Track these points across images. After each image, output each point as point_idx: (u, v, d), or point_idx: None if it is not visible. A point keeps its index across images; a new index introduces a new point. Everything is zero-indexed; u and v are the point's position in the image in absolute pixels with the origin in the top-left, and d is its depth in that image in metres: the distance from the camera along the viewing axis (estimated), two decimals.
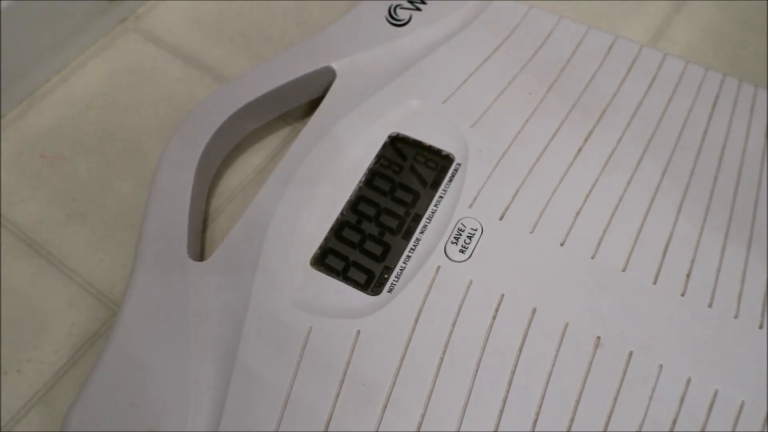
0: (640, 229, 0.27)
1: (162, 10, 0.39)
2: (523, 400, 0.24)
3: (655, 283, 0.26)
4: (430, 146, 0.30)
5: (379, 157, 0.30)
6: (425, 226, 0.28)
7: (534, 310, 0.25)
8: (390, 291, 0.26)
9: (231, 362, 0.25)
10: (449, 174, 0.29)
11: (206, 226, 0.32)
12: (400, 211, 0.29)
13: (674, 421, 0.23)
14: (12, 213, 0.32)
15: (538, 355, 0.24)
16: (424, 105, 0.31)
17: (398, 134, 0.30)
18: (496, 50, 0.33)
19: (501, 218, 0.28)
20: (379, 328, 0.25)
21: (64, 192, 0.33)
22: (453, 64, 0.32)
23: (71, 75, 0.37)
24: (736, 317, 0.25)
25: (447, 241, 0.27)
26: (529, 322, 0.25)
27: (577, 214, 0.28)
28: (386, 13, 0.34)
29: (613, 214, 0.28)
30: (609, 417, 0.23)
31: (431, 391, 0.24)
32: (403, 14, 0.34)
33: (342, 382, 0.24)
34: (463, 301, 0.26)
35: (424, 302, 0.26)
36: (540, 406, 0.24)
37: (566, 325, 0.25)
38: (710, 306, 0.25)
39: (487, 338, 0.25)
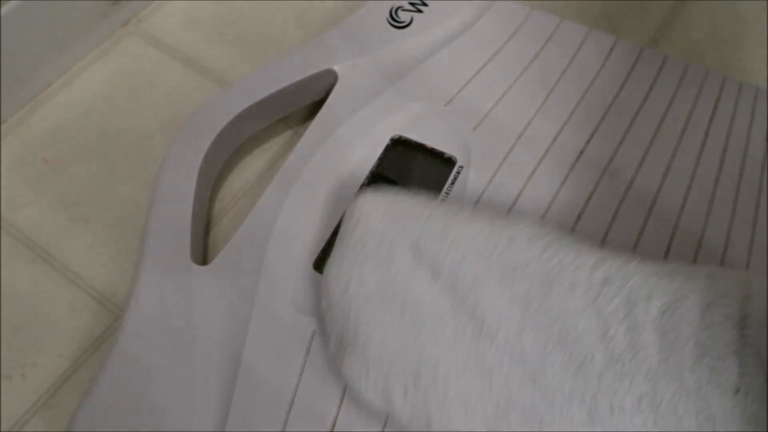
0: (641, 232, 0.27)
1: (163, 14, 0.39)
2: None
3: None
4: (433, 149, 0.30)
5: (382, 159, 0.30)
6: None
7: None
8: None
9: (235, 366, 0.25)
10: (452, 177, 0.29)
11: (209, 229, 0.32)
12: None
13: None
14: (14, 217, 0.32)
15: None
16: (426, 108, 0.31)
17: (401, 137, 0.31)
18: (497, 53, 0.33)
19: None
20: None
21: (67, 195, 0.33)
22: (455, 67, 0.33)
23: (73, 79, 0.37)
24: None
25: None
26: None
27: (579, 216, 0.28)
28: (387, 15, 0.35)
29: (614, 216, 0.28)
30: None
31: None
32: (404, 16, 0.34)
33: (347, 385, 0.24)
34: None
35: None
36: None
37: None
38: None
39: None
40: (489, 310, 0.22)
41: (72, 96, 0.36)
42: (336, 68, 0.33)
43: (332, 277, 0.24)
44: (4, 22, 0.33)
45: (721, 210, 0.28)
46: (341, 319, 0.23)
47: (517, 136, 0.30)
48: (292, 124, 0.35)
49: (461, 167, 0.29)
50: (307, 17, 0.39)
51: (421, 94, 0.32)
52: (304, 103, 0.34)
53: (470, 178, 0.29)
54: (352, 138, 0.30)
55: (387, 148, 0.30)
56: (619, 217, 0.28)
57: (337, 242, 0.25)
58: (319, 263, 0.27)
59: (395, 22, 0.34)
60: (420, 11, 0.34)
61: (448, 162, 0.30)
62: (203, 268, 0.27)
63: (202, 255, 0.31)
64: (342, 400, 0.24)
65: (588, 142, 0.30)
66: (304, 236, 0.28)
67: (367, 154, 0.30)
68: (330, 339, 0.24)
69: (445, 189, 0.29)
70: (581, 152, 0.30)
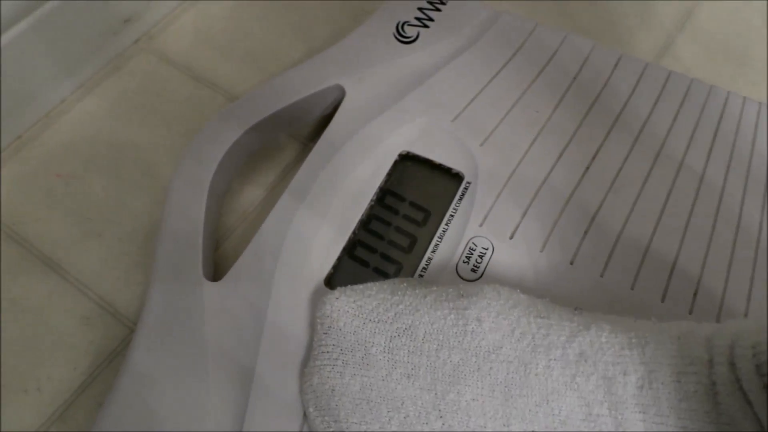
0: (647, 248, 0.28)
1: (174, 31, 0.40)
2: None
3: (663, 301, 0.26)
4: (440, 164, 0.30)
5: (390, 175, 0.30)
6: (437, 245, 0.28)
7: None
8: None
9: (248, 382, 0.25)
10: (459, 192, 0.30)
11: (218, 243, 0.32)
12: (412, 229, 0.29)
13: None
14: (28, 232, 0.33)
15: None
16: (434, 123, 0.32)
17: (408, 152, 0.31)
18: (503, 68, 0.34)
19: (511, 237, 0.28)
20: None
21: (80, 210, 0.34)
22: (461, 82, 0.33)
23: (85, 95, 0.38)
24: None
25: (459, 261, 0.27)
26: None
27: (586, 232, 0.28)
28: (394, 30, 0.35)
29: (620, 233, 0.28)
30: None
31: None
32: (410, 31, 0.35)
33: None
34: None
35: None
36: None
37: None
38: None
39: None
40: (471, 404, 0.22)
41: (84, 111, 0.37)
42: (343, 83, 0.33)
43: (316, 385, 0.24)
44: (18, 40, 0.33)
45: (725, 226, 0.28)
46: (333, 425, 0.24)
47: (523, 152, 0.31)
48: (300, 138, 0.36)
49: (469, 183, 0.30)
50: (314, 33, 0.40)
51: (429, 110, 0.32)
52: (312, 118, 0.34)
53: (478, 193, 0.29)
54: (360, 153, 0.31)
55: (395, 164, 0.31)
56: (626, 233, 0.28)
57: (314, 349, 0.25)
58: (330, 279, 0.28)
59: (402, 37, 0.35)
60: (426, 26, 0.35)
61: (455, 178, 0.30)
62: (215, 284, 0.28)
63: (213, 270, 0.31)
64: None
65: (594, 158, 0.30)
66: (314, 252, 0.28)
67: (376, 169, 0.30)
68: None
69: (453, 205, 0.29)
70: (587, 168, 0.30)
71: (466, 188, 0.30)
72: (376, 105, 0.32)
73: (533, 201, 0.29)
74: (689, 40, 0.39)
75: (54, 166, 0.35)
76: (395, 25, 0.35)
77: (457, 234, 0.28)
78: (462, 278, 0.27)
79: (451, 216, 0.29)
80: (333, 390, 0.23)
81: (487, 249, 0.28)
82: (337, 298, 0.25)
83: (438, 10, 0.35)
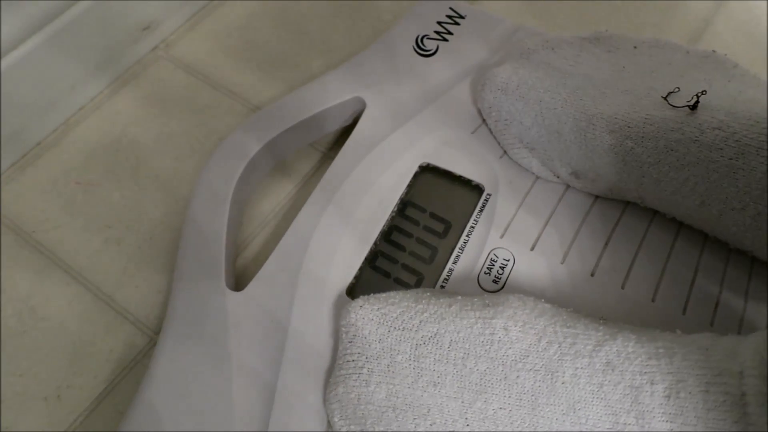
0: (667, 260, 0.28)
1: (192, 38, 0.40)
2: None
3: (684, 313, 0.27)
4: (461, 176, 0.31)
5: (410, 186, 0.31)
6: (458, 256, 0.29)
7: None
8: None
9: (271, 392, 0.25)
10: (480, 204, 0.30)
11: (239, 252, 0.33)
12: (433, 240, 0.29)
13: None
14: (49, 239, 0.33)
15: None
16: (454, 135, 0.32)
17: (429, 164, 0.31)
18: None
19: (532, 249, 0.28)
20: None
21: (99, 218, 0.34)
22: None
23: (104, 102, 0.38)
24: None
25: (480, 272, 0.28)
26: None
27: (606, 244, 0.28)
28: (413, 43, 0.35)
29: (641, 245, 0.28)
30: None
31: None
32: (430, 45, 0.35)
33: None
34: None
35: None
36: None
37: None
38: None
39: None
40: (498, 413, 0.22)
41: (103, 119, 0.37)
42: (364, 96, 0.33)
43: (341, 394, 0.24)
44: (37, 48, 0.34)
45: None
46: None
47: None
48: (320, 148, 0.36)
49: (489, 195, 0.30)
50: (332, 42, 0.40)
51: (448, 122, 0.32)
52: (333, 129, 0.35)
53: (498, 205, 0.30)
54: (381, 165, 0.31)
55: (416, 175, 0.31)
56: (646, 244, 0.28)
57: (338, 358, 0.25)
58: (352, 289, 0.28)
59: (421, 50, 0.35)
60: (446, 40, 0.35)
61: (475, 189, 0.30)
62: (237, 294, 0.28)
63: (234, 280, 0.31)
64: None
65: None
66: (335, 262, 0.29)
67: (396, 181, 0.31)
68: None
69: (473, 217, 0.29)
70: None
71: (486, 200, 0.30)
72: (396, 117, 0.33)
73: (553, 213, 0.29)
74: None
75: (73, 173, 0.35)
76: (414, 39, 0.35)
77: (478, 245, 0.29)
78: (483, 289, 0.27)
79: (472, 227, 0.29)
80: (359, 398, 0.24)
81: (508, 260, 0.28)
82: (361, 307, 0.25)
83: (457, 24, 0.36)
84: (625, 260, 0.28)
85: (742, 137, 0.24)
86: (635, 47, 0.31)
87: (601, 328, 0.23)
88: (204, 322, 0.27)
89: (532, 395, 0.22)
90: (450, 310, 0.24)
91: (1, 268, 0.32)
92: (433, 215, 0.30)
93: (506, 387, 0.22)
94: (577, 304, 0.27)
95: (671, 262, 0.28)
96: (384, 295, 0.25)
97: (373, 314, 0.24)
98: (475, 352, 0.23)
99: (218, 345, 0.27)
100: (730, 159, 0.24)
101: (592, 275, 0.28)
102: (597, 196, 0.30)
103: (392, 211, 0.30)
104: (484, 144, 0.32)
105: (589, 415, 0.21)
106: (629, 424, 0.21)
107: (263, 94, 0.38)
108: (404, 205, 0.30)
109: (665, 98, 0.27)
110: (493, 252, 0.28)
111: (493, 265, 0.28)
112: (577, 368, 0.22)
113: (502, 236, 0.29)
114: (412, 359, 0.23)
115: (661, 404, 0.21)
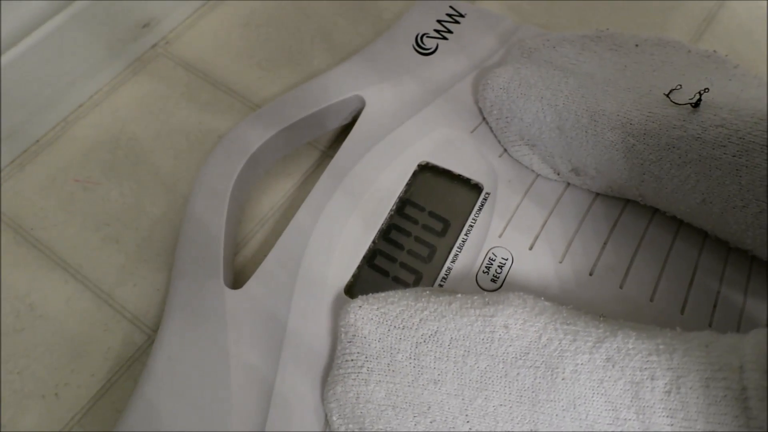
0: (666, 259, 0.28)
1: (191, 36, 0.40)
2: None
3: (682, 313, 0.26)
4: (460, 175, 0.31)
5: (409, 185, 0.31)
6: (456, 255, 0.28)
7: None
8: None
9: (269, 391, 0.25)
10: (479, 203, 0.30)
11: (238, 250, 0.33)
12: (431, 239, 0.29)
13: None
14: (47, 237, 0.33)
15: None
16: (453, 134, 0.32)
17: (428, 163, 0.31)
18: None
19: (531, 248, 0.28)
20: None
21: (98, 216, 0.34)
22: None
23: (103, 100, 0.38)
24: None
25: (478, 271, 0.28)
26: None
27: (605, 243, 0.28)
28: (413, 41, 0.35)
29: (639, 244, 0.28)
30: None
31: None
32: (429, 43, 0.35)
33: None
34: None
35: None
36: None
37: None
38: None
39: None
40: (499, 409, 0.22)
41: (102, 117, 0.37)
42: (363, 94, 0.33)
43: (339, 393, 0.24)
44: (36, 46, 0.34)
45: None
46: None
47: None
48: (319, 146, 0.36)
49: (488, 194, 0.30)
50: (333, 39, 0.40)
51: (448, 121, 0.32)
52: (332, 128, 0.34)
53: (497, 204, 0.29)
54: (380, 164, 0.31)
55: (414, 174, 0.31)
56: (644, 244, 0.28)
57: (337, 358, 0.25)
58: (350, 288, 0.28)
59: (421, 49, 0.35)
60: (445, 38, 0.35)
61: (474, 188, 0.30)
62: (236, 292, 0.28)
63: (233, 277, 0.31)
64: None
65: None
66: (334, 261, 0.28)
67: (396, 179, 0.31)
68: None
69: (472, 216, 0.29)
70: None
71: (485, 199, 0.30)
72: (395, 116, 0.33)
73: (552, 212, 0.29)
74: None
75: (72, 170, 0.35)
76: (414, 37, 0.35)
77: (476, 244, 0.29)
78: (482, 288, 0.27)
79: (471, 226, 0.29)
80: (357, 397, 0.24)
81: (506, 259, 0.28)
82: (360, 307, 0.25)
83: (457, 22, 0.36)
84: (624, 260, 0.28)
85: (745, 135, 0.24)
86: (637, 45, 0.31)
87: (601, 325, 0.23)
88: (202, 319, 0.27)
89: (533, 392, 0.22)
90: (450, 308, 0.24)
91: (0, 265, 0.32)
92: (431, 214, 0.30)
93: (507, 384, 0.22)
94: (576, 304, 0.27)
95: (670, 262, 0.28)
96: (383, 294, 0.25)
97: (372, 314, 0.24)
98: (476, 349, 0.23)
99: (216, 343, 0.26)
100: (733, 156, 0.24)
101: (591, 275, 0.28)
102: (596, 196, 0.30)
103: (391, 210, 0.30)
104: (484, 143, 0.31)
105: (589, 410, 0.21)
106: (630, 419, 0.21)
107: (263, 92, 0.38)
108: (403, 203, 0.30)
109: (667, 95, 0.27)
110: (492, 251, 0.28)
111: (492, 264, 0.28)
112: (577, 364, 0.22)
113: (500, 235, 0.29)
114: (413, 357, 0.23)
115: (662, 400, 0.21)
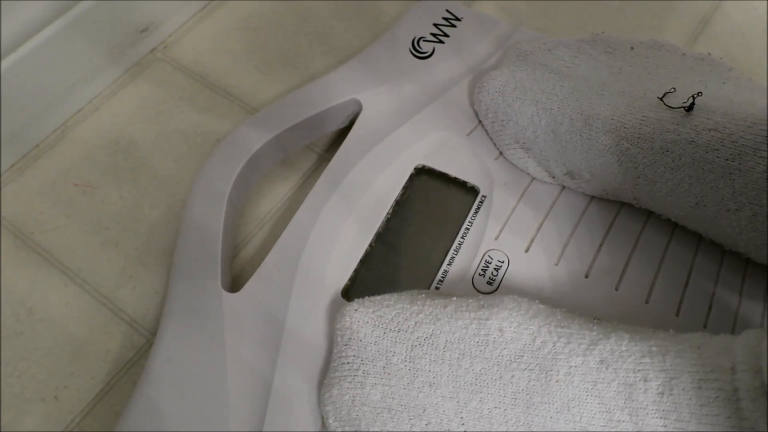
0: (661, 262, 0.28)
1: (190, 40, 0.40)
2: None
3: (677, 315, 0.27)
4: (456, 178, 0.31)
5: (406, 188, 0.31)
6: (452, 258, 0.29)
7: None
8: None
9: (267, 393, 0.25)
10: (475, 206, 0.30)
11: (236, 252, 0.33)
12: (428, 242, 0.29)
13: None
14: (47, 240, 0.33)
15: None
16: (449, 137, 0.32)
17: (424, 166, 0.31)
18: None
19: (526, 250, 0.28)
20: None
21: (97, 219, 0.34)
22: None
23: (103, 104, 0.38)
24: None
25: (474, 273, 0.28)
26: None
27: (601, 246, 0.29)
28: (410, 45, 0.35)
29: (635, 247, 0.28)
30: None
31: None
32: (426, 47, 0.35)
33: None
34: None
35: None
36: None
37: None
38: None
39: None
40: (494, 412, 0.22)
41: (102, 121, 0.37)
42: (360, 98, 0.33)
43: (335, 396, 0.24)
44: (35, 51, 0.34)
45: None
46: None
47: None
48: (316, 149, 0.36)
49: (484, 197, 0.30)
50: (331, 43, 0.40)
51: (444, 124, 0.32)
52: (330, 131, 0.35)
53: (493, 207, 0.30)
54: (377, 167, 0.31)
55: (411, 177, 0.31)
56: (640, 247, 0.28)
57: (333, 361, 0.25)
58: (347, 291, 0.28)
59: (418, 52, 0.35)
60: (442, 42, 0.35)
61: (471, 191, 0.30)
62: (233, 295, 0.28)
63: (231, 280, 0.31)
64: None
65: None
66: (331, 264, 0.29)
67: (392, 182, 0.31)
68: None
69: (468, 218, 0.30)
70: None
71: (481, 202, 0.30)
72: (392, 119, 0.33)
73: (548, 215, 0.29)
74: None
75: (72, 174, 0.35)
76: (411, 41, 0.36)
77: (472, 247, 0.29)
78: (478, 291, 0.27)
79: (467, 229, 0.29)
80: (353, 400, 0.24)
81: (502, 262, 0.28)
82: (356, 310, 0.25)
83: (453, 26, 0.36)
84: (620, 262, 0.28)
85: (738, 138, 0.24)
86: (632, 48, 0.31)
87: (594, 327, 0.23)
88: (201, 322, 0.27)
89: (527, 394, 0.22)
90: (445, 311, 0.24)
91: (0, 269, 0.32)
92: (428, 217, 0.30)
93: (501, 386, 0.23)
94: (571, 306, 0.27)
95: (665, 264, 0.28)
96: (379, 297, 0.26)
97: (368, 317, 0.25)
98: (471, 352, 0.23)
99: (215, 345, 0.27)
100: (727, 160, 0.24)
101: (587, 277, 0.28)
102: (592, 198, 0.30)
103: (388, 213, 0.30)
104: (480, 146, 0.32)
105: (583, 412, 0.22)
106: (623, 421, 0.21)
107: (261, 95, 0.38)
108: (400, 206, 0.30)
109: (661, 99, 0.27)
110: (488, 253, 0.28)
111: (488, 267, 0.28)
112: (571, 367, 0.22)
113: (496, 238, 0.29)
114: (408, 360, 0.24)
115: (655, 401, 0.21)
